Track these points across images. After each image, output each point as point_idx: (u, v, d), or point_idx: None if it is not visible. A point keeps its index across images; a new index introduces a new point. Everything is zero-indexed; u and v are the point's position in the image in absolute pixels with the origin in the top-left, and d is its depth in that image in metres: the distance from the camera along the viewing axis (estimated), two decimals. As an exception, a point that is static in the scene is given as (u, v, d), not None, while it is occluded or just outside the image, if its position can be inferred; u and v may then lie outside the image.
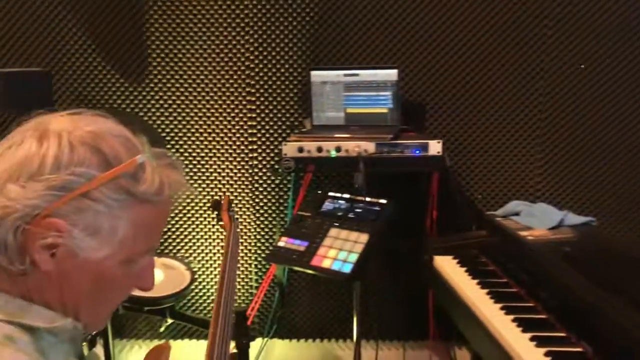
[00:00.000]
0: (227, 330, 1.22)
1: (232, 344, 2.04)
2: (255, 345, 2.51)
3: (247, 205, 2.41)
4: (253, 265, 2.46)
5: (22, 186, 0.72)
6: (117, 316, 2.30)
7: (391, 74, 2.13)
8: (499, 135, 2.33)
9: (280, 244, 2.03)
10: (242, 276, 2.47)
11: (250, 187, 2.39)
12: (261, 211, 2.41)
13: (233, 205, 2.37)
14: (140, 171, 0.77)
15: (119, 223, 0.76)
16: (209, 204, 2.40)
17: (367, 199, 2.06)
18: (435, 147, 1.99)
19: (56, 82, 2.31)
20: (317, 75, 2.18)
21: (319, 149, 2.00)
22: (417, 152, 2.00)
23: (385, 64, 2.23)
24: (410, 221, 2.31)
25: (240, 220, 2.42)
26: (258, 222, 2.42)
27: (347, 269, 1.89)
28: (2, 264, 0.72)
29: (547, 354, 1.35)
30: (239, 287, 2.48)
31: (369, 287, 2.42)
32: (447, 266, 1.97)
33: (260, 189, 2.40)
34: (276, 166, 2.33)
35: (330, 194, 2.15)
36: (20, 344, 0.72)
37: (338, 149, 2.00)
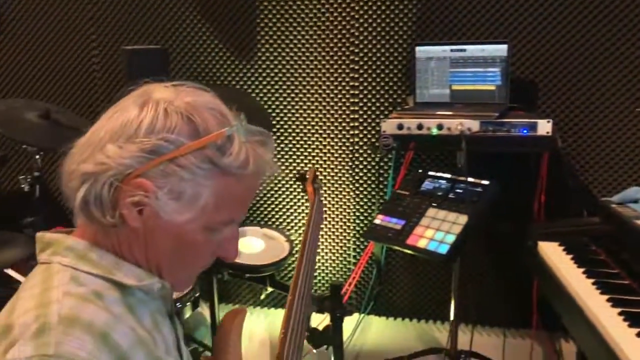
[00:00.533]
0: (305, 299, 1.24)
1: (326, 317, 2.09)
2: (352, 320, 2.55)
3: (347, 182, 2.42)
4: (352, 242, 2.48)
5: (119, 147, 0.77)
6: (222, 282, 2.42)
7: (500, 49, 2.03)
8: (617, 115, 2.15)
9: (377, 221, 2.03)
10: (340, 252, 2.50)
11: (350, 164, 2.40)
12: (360, 189, 2.42)
13: (332, 180, 2.41)
14: (228, 144, 0.80)
15: (202, 191, 0.79)
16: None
17: (469, 179, 2.00)
18: (544, 127, 1.88)
19: (172, 59, 2.44)
20: (422, 50, 2.13)
21: (420, 127, 1.96)
22: (525, 131, 1.90)
23: (494, 38, 2.13)
24: (517, 204, 2.21)
25: (340, 196, 2.44)
26: (357, 200, 2.43)
27: (443, 250, 1.85)
28: (96, 216, 0.78)
29: (655, 352, 1.24)
30: (337, 262, 2.52)
31: (469, 270, 2.35)
32: (552, 253, 1.86)
33: (361, 166, 2.40)
34: (376, 144, 2.32)
35: (431, 173, 2.11)
36: (107, 301, 0.78)
37: (440, 127, 1.95)
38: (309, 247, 1.38)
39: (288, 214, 2.52)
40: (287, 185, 2.49)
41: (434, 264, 2.38)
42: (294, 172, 2.45)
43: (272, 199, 2.51)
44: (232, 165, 0.80)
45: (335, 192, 2.44)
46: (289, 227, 2.52)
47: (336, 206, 2.46)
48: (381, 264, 2.43)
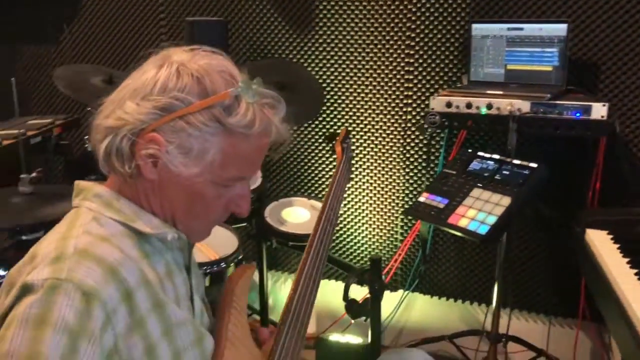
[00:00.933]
0: (321, 256, 1.28)
1: (365, 290, 2.12)
2: (395, 297, 2.57)
3: (398, 160, 2.43)
4: (399, 219, 2.49)
5: (137, 104, 0.85)
6: (271, 249, 2.50)
7: (559, 29, 1.95)
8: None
9: (421, 199, 2.04)
10: (387, 228, 2.52)
11: (402, 141, 2.41)
12: (411, 167, 2.42)
13: (382, 157, 2.42)
14: (235, 104, 0.85)
15: (209, 147, 0.85)
16: (362, 155, 2.47)
17: (517, 161, 1.96)
18: (599, 111, 1.81)
19: (232, 31, 2.52)
20: (478, 28, 2.09)
21: (469, 105, 1.94)
22: (578, 114, 1.84)
23: (553, 17, 2.06)
24: (571, 190, 2.16)
25: (390, 174, 2.45)
26: (407, 177, 2.43)
27: (483, 230, 1.84)
28: (116, 167, 0.86)
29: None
30: (384, 239, 2.54)
31: (516, 254, 2.32)
32: (598, 240, 1.80)
33: (412, 144, 2.40)
34: (421, 121, 2.31)
35: (480, 153, 2.09)
36: (122, 243, 0.85)
37: (489, 106, 1.92)
38: (329, 204, 1.41)
39: (322, 184, 2.56)
40: (326, 156, 2.53)
41: (481, 246, 2.36)
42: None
43: (321, 171, 2.56)
44: (238, 125, 0.85)
45: (386, 169, 2.45)
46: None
47: (385, 183, 2.47)
48: (427, 242, 2.43)
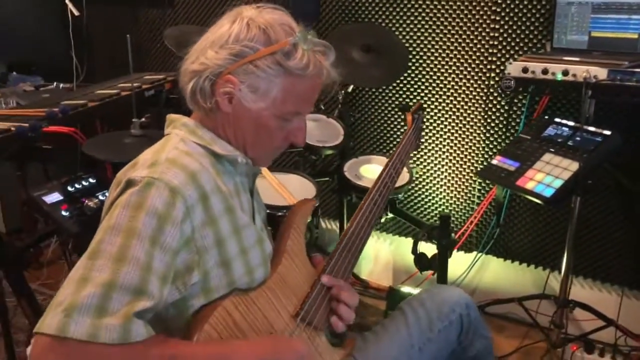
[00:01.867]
0: (378, 206, 1.42)
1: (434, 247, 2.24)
2: (470, 257, 2.66)
3: (479, 124, 2.49)
4: (477, 183, 2.56)
5: (215, 52, 1.05)
6: (351, 203, 2.67)
7: (648, -5, 1.92)
8: None
9: (494, 162, 2.11)
10: (465, 191, 2.60)
11: (483, 106, 2.46)
12: (492, 131, 2.47)
13: (464, 121, 2.49)
14: (293, 50, 1.04)
15: (272, 86, 1.05)
16: (444, 118, 2.56)
17: (591, 128, 1.98)
18: (679, 80, 1.78)
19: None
20: (563, -5, 2.10)
21: (545, 71, 1.97)
22: (657, 83, 1.82)
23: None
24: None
25: (470, 137, 2.52)
26: (488, 142, 2.49)
27: (548, 193, 1.89)
28: (200, 102, 1.08)
29: None
30: (461, 201, 2.63)
31: (592, 223, 2.33)
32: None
33: (494, 109, 2.45)
34: (495, 85, 2.34)
35: (556, 119, 2.12)
36: (202, 160, 1.06)
37: (565, 73, 1.94)
38: (392, 163, 1.54)
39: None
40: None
41: (556, 213, 2.38)
42: (426, 106, 2.58)
43: (402, 132, 2.67)
44: (296, 67, 1.04)
45: (467, 133, 2.53)
46: (414, 160, 2.68)
47: (466, 147, 2.55)
48: (502, 206, 2.49)
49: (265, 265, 1.13)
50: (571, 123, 2.03)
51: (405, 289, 2.56)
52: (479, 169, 2.53)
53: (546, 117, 2.14)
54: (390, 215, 2.45)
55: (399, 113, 2.67)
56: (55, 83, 3.30)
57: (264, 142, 1.13)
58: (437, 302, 1.30)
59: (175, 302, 0.99)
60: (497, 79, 2.40)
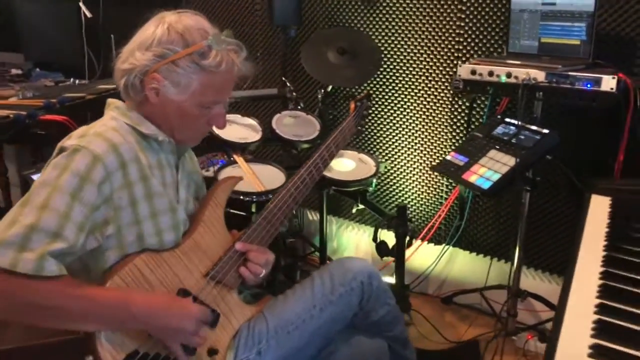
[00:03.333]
0: (304, 185, 1.59)
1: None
2: (438, 250, 2.82)
3: (446, 124, 2.65)
4: (445, 179, 2.72)
5: (142, 53, 1.26)
6: (329, 196, 2.85)
7: (587, 4, 2.05)
8: None
9: (448, 157, 2.27)
10: (434, 187, 2.76)
11: (449, 105, 2.62)
12: (457, 130, 2.63)
13: (433, 120, 2.65)
14: (207, 51, 1.25)
15: (191, 81, 1.26)
16: (414, 116, 2.73)
17: (534, 127, 2.12)
18: (608, 83, 1.91)
19: (305, 4, 2.87)
20: (516, 2, 2.24)
21: (490, 73, 2.12)
22: (589, 86, 1.95)
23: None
24: (598, 160, 2.25)
25: (438, 135, 2.68)
26: (454, 140, 2.65)
27: (486, 185, 2.04)
28: (131, 95, 1.29)
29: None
30: (430, 196, 2.78)
31: (541, 217, 2.46)
32: (597, 205, 1.91)
33: (460, 109, 2.60)
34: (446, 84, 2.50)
35: (507, 119, 2.26)
36: (127, 136, 1.27)
37: (508, 75, 2.09)
38: (327, 145, 1.71)
39: (389, 144, 2.84)
40: (391, 118, 2.80)
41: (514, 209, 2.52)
42: (398, 106, 2.75)
43: (376, 128, 2.85)
44: (210, 65, 1.25)
45: (436, 131, 2.69)
46: (386, 156, 2.85)
47: (435, 144, 2.71)
48: (465, 201, 2.64)
49: (175, 230, 1.33)
50: (518, 122, 2.17)
51: (374, 276, 2.73)
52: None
53: (499, 117, 2.29)
54: (360, 206, 2.63)
55: (373, 110, 2.85)
56: (72, 79, 3.60)
57: (188, 127, 1.34)
58: (343, 270, 1.48)
59: (94, 252, 1.21)
60: (461, 80, 2.55)
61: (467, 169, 2.15)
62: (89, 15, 3.24)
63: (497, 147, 2.15)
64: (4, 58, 4.23)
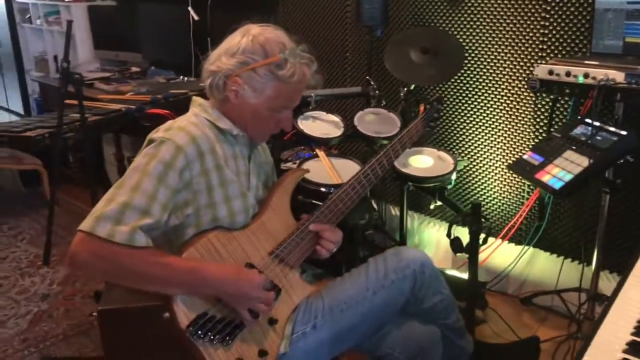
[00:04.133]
0: (370, 178, 1.71)
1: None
2: (517, 249, 2.82)
3: (529, 123, 2.65)
4: (526, 178, 2.71)
5: (228, 58, 1.45)
6: (409, 192, 2.94)
7: (675, 3, 2.00)
8: None
9: (525, 157, 2.29)
10: (516, 186, 2.77)
11: (533, 106, 2.62)
12: (540, 130, 2.62)
13: (516, 120, 2.65)
14: (283, 64, 1.42)
15: (266, 88, 1.44)
16: (497, 115, 2.74)
17: (612, 128, 2.09)
18: (690, 84, 1.86)
19: (392, 5, 2.97)
20: (601, 2, 2.21)
21: (568, 74, 2.12)
22: (669, 87, 1.90)
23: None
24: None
25: (521, 135, 2.68)
26: (536, 140, 2.64)
27: (558, 185, 2.05)
28: (215, 94, 1.49)
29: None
30: (512, 195, 2.79)
31: (626, 221, 2.40)
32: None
33: (542, 109, 2.59)
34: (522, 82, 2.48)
35: (587, 120, 2.24)
36: (206, 130, 1.46)
37: (586, 75, 2.07)
38: (394, 144, 1.82)
39: (470, 142, 2.87)
40: (473, 117, 2.84)
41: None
42: (480, 104, 2.78)
43: (457, 127, 2.90)
44: (284, 76, 1.43)
45: (518, 131, 2.69)
46: (466, 154, 2.88)
47: (516, 144, 2.71)
48: (545, 201, 2.62)
49: (246, 213, 1.50)
50: (597, 123, 2.15)
51: (449, 271, 2.79)
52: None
53: (579, 117, 2.27)
54: (438, 202, 2.69)
55: (455, 108, 2.90)
56: (181, 77, 3.96)
57: (259, 126, 1.52)
58: (397, 258, 1.58)
59: (175, 228, 1.41)
60: (546, 80, 2.54)
61: (542, 169, 2.16)
62: (196, 18, 3.54)
63: (574, 147, 2.14)
64: (126, 57, 4.71)
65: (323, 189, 2.32)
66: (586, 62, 2.12)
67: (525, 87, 2.62)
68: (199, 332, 1.36)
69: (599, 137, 2.10)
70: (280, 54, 1.43)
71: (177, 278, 1.35)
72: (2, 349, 2.55)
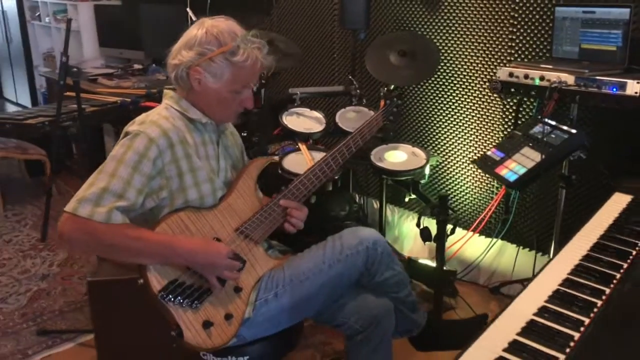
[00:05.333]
0: (330, 165, 1.87)
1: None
2: (486, 242, 2.99)
3: (497, 123, 2.82)
4: (495, 174, 2.89)
5: (187, 51, 1.63)
6: (388, 186, 3.13)
7: (623, 13, 2.16)
8: None
9: (489, 153, 2.46)
10: (486, 182, 2.94)
11: (500, 105, 2.79)
12: (509, 129, 2.79)
13: (487, 120, 2.82)
14: (236, 50, 1.59)
15: (224, 73, 1.62)
16: (468, 114, 2.92)
17: (565, 127, 2.26)
18: (633, 87, 2.02)
19: (373, 8, 3.15)
20: (560, 11, 2.38)
21: (526, 76, 2.29)
22: (614, 89, 2.07)
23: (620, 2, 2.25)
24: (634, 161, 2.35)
25: (491, 134, 2.86)
26: (503, 138, 2.81)
27: (512, 178, 2.22)
28: (180, 85, 1.67)
29: None
30: (483, 190, 2.96)
31: (575, 215, 2.57)
32: (615, 202, 2.02)
33: (510, 109, 2.77)
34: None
35: (545, 119, 2.41)
36: (176, 122, 1.65)
37: (542, 78, 2.25)
38: (353, 136, 1.96)
39: (444, 140, 3.05)
40: (447, 116, 3.02)
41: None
42: (453, 104, 2.96)
43: (431, 124, 3.07)
44: (238, 61, 1.61)
45: (489, 129, 2.87)
46: (440, 151, 3.06)
47: (486, 141, 2.89)
48: (510, 196, 2.80)
49: (214, 196, 1.68)
50: (553, 122, 2.32)
51: (422, 260, 2.97)
52: (497, 162, 2.86)
53: (539, 117, 2.44)
54: (413, 195, 2.87)
55: (429, 106, 3.07)
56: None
57: (225, 108, 1.70)
58: (352, 237, 1.75)
59: (153, 210, 1.59)
60: (514, 83, 2.72)
61: (501, 164, 2.33)
62: (194, 19, 3.73)
63: (530, 144, 2.31)
64: (129, 55, 4.92)
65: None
66: (542, 65, 2.29)
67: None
68: (170, 296, 1.54)
69: (553, 135, 2.27)
70: (233, 42, 1.60)
71: (150, 249, 1.53)
72: (3, 322, 2.75)
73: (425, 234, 2.72)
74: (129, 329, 2.11)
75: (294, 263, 1.75)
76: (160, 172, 1.59)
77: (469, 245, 3.08)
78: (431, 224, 2.72)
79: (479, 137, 2.93)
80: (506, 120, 2.80)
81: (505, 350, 1.16)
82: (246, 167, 1.81)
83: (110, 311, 2.11)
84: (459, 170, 3.06)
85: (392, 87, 3.09)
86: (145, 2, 4.66)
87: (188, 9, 3.77)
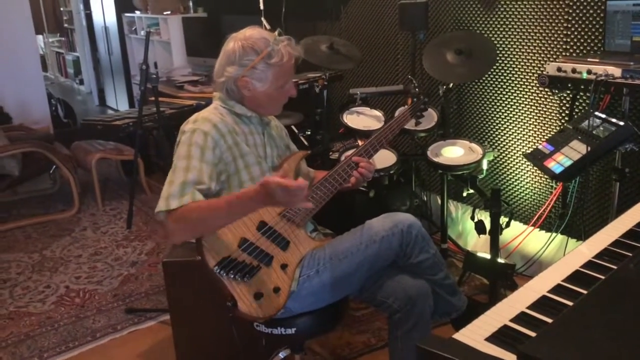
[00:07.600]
0: (369, 151, 2.06)
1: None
2: (546, 236, 3.01)
3: (555, 117, 2.85)
4: (553, 169, 2.91)
5: (230, 67, 1.86)
6: (449, 181, 3.22)
7: (673, 3, 2.17)
8: None
9: (540, 146, 2.52)
10: (543, 177, 2.97)
11: (557, 100, 2.82)
12: (565, 124, 2.81)
13: (545, 115, 2.86)
14: (272, 53, 1.82)
15: (268, 75, 1.85)
16: (521, 108, 2.96)
17: (613, 120, 2.28)
18: (677, 79, 2.03)
19: (431, 10, 3.27)
20: (611, 5, 2.40)
21: (574, 70, 2.33)
22: (660, 81, 2.08)
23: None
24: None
25: (547, 127, 2.89)
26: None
27: (557, 170, 2.28)
28: (233, 97, 1.90)
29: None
30: (542, 185, 2.99)
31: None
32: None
33: (568, 104, 2.79)
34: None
35: (596, 113, 2.43)
36: (225, 116, 1.88)
37: (589, 72, 2.29)
38: (383, 127, 2.14)
39: (502, 135, 3.10)
40: (505, 111, 3.07)
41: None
42: (511, 100, 3.01)
43: (489, 119, 3.13)
44: (276, 62, 1.84)
45: (547, 124, 2.90)
46: (498, 146, 3.11)
47: (544, 136, 2.92)
48: (568, 190, 2.81)
49: (262, 177, 1.89)
50: (602, 115, 2.34)
51: (480, 254, 3.03)
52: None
53: (591, 110, 2.46)
54: (471, 190, 2.96)
55: (489, 104, 3.13)
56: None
57: (275, 103, 1.94)
58: (389, 220, 1.89)
59: (219, 191, 1.83)
60: (570, 78, 2.74)
61: (550, 157, 2.38)
62: (268, 27, 4.01)
63: (579, 137, 2.34)
64: (213, 63, 5.27)
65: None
66: (590, 59, 2.32)
67: (551, 84, 2.83)
68: (223, 270, 1.76)
69: (601, 128, 2.30)
70: (267, 48, 1.82)
71: (234, 208, 1.67)
72: (98, 301, 3.12)
73: (479, 226, 2.80)
74: (200, 307, 2.37)
75: (335, 243, 1.92)
76: (220, 159, 1.83)
77: (530, 240, 3.11)
78: (486, 218, 2.80)
79: (536, 131, 2.96)
80: (562, 115, 2.82)
81: (511, 320, 1.27)
82: (287, 158, 2.01)
83: (183, 290, 2.38)
84: (517, 165, 3.10)
85: (451, 85, 3.20)
86: (227, 14, 5.01)
87: (263, 19, 4.05)
